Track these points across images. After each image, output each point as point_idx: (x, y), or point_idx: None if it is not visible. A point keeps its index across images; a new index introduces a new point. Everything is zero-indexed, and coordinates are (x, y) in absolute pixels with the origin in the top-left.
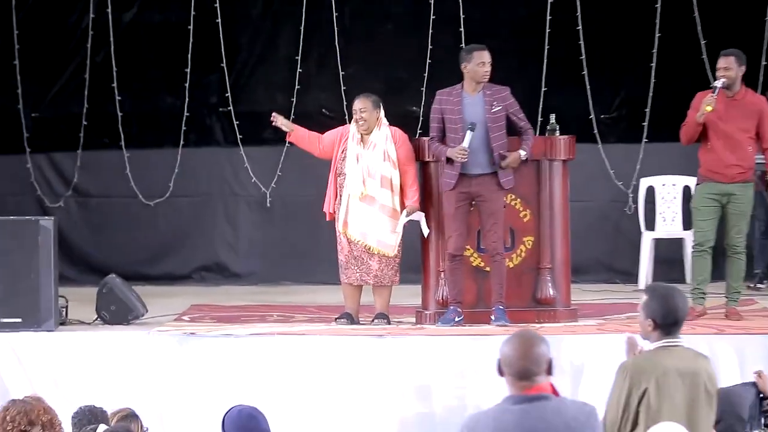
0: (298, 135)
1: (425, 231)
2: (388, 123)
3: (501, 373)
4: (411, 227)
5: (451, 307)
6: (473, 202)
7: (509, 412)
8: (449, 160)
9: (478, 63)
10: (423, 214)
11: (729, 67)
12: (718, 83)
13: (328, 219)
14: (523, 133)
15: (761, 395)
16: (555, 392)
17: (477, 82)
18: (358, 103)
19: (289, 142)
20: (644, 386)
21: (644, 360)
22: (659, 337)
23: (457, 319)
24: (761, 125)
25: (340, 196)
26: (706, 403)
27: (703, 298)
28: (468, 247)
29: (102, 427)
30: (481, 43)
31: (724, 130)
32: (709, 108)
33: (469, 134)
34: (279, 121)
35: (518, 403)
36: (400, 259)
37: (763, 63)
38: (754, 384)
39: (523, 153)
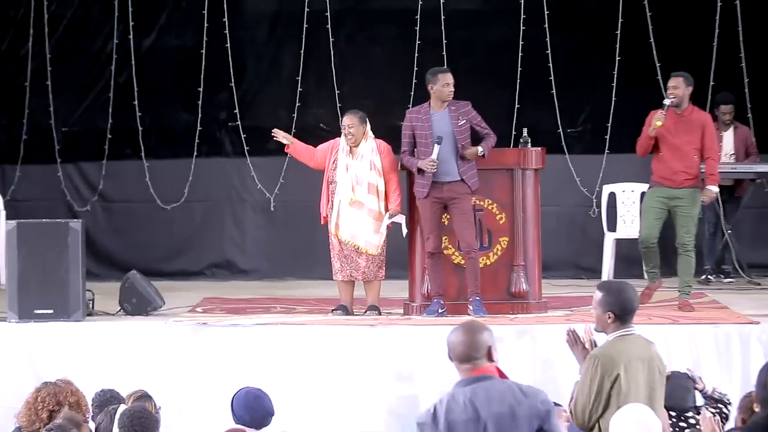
0: (296, 148)
1: (404, 231)
2: (373, 136)
3: (451, 359)
4: (396, 230)
5: (435, 300)
6: (446, 206)
7: (460, 394)
8: (420, 171)
9: (443, 84)
10: (404, 216)
11: (677, 86)
12: (667, 101)
13: (322, 223)
14: (484, 138)
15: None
16: (502, 375)
17: (442, 101)
18: (347, 119)
19: (288, 154)
20: (616, 373)
21: (611, 349)
22: (617, 328)
23: (440, 310)
24: (704, 138)
25: (332, 201)
26: (660, 383)
27: (656, 275)
28: (450, 246)
29: (123, 406)
30: (461, 64)
31: (673, 142)
32: (659, 123)
33: (436, 147)
34: (280, 135)
35: (466, 385)
36: (384, 257)
37: (711, 83)
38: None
39: (480, 150)
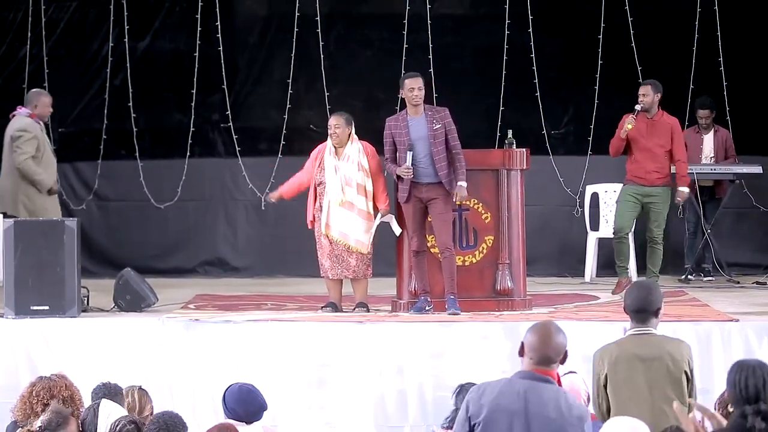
0: (286, 191)
1: (396, 231)
2: (358, 138)
3: (521, 354)
4: (384, 229)
5: (422, 297)
6: (427, 206)
7: (516, 384)
8: (399, 177)
9: (409, 89)
10: (393, 216)
11: (646, 93)
12: (638, 107)
13: (309, 227)
14: (455, 160)
15: None
16: (559, 382)
17: (413, 105)
18: (332, 120)
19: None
20: (605, 371)
21: (610, 348)
22: (632, 326)
23: (427, 307)
24: (673, 141)
25: (320, 203)
26: (671, 385)
27: (626, 270)
28: (436, 245)
29: (104, 402)
30: (447, 67)
31: (645, 145)
32: (629, 126)
33: (408, 154)
34: (273, 198)
35: (525, 378)
36: (372, 255)
37: (691, 87)
38: None
39: (463, 185)
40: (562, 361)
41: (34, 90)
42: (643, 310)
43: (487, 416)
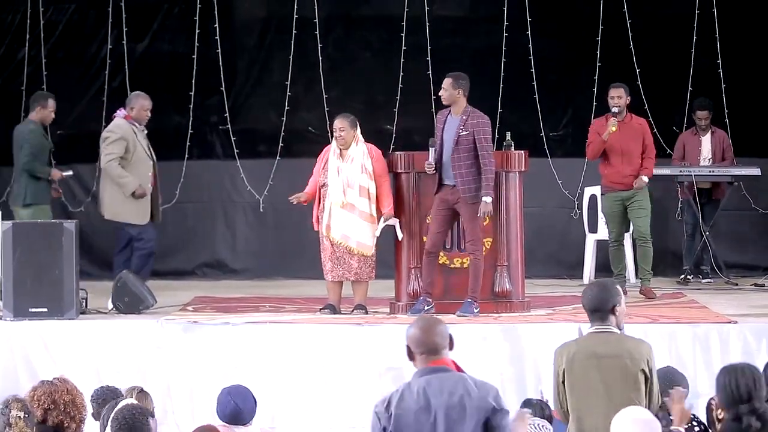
0: (307, 193)
1: (399, 235)
2: (364, 140)
3: (411, 357)
4: (383, 231)
5: (422, 297)
6: (455, 209)
7: (415, 384)
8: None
9: (441, 89)
10: (397, 220)
11: (621, 96)
12: (616, 109)
13: (315, 229)
14: (483, 171)
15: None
16: (458, 369)
17: (448, 105)
18: (338, 122)
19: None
20: (563, 367)
21: (568, 345)
22: (592, 324)
23: (426, 308)
24: (644, 140)
25: (323, 204)
26: (627, 383)
27: (624, 278)
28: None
29: (123, 401)
30: (445, 70)
31: (620, 148)
32: (613, 128)
33: (431, 150)
34: (295, 200)
35: (423, 375)
36: (375, 258)
37: (689, 89)
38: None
39: (488, 200)
40: (451, 347)
41: (134, 92)
42: (597, 309)
43: (396, 423)
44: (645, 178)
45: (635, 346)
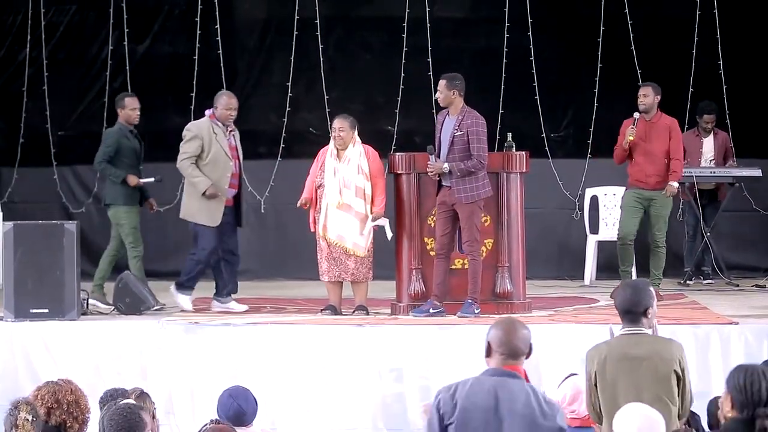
0: (308, 197)
1: (389, 235)
2: (361, 141)
3: (489, 353)
4: (382, 232)
5: (429, 300)
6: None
7: (486, 381)
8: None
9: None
10: (387, 220)
11: (647, 95)
12: (636, 114)
13: (311, 230)
14: (470, 160)
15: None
16: (527, 378)
17: (445, 106)
18: (337, 123)
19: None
20: (595, 369)
21: (600, 347)
22: (624, 325)
23: (433, 311)
24: (671, 141)
25: (320, 205)
26: (659, 384)
27: (629, 275)
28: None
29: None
30: (446, 71)
31: (645, 147)
32: (630, 138)
33: (431, 157)
34: (301, 203)
35: (494, 375)
36: (372, 258)
37: (691, 90)
38: None
39: (445, 165)
40: (528, 356)
41: (220, 91)
42: (630, 311)
43: (460, 415)
44: (674, 184)
45: (666, 347)
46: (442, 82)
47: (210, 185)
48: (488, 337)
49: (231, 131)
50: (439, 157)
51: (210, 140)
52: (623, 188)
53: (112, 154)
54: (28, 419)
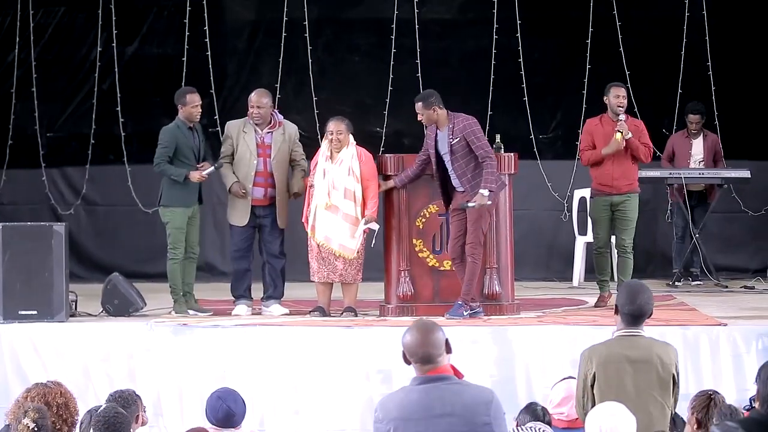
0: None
1: (374, 241)
2: (355, 143)
3: (407, 362)
4: (370, 235)
5: (458, 302)
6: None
7: (414, 392)
8: None
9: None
10: (378, 226)
11: (625, 96)
12: (622, 117)
13: (306, 229)
14: (483, 167)
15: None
16: (457, 373)
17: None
18: (334, 125)
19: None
20: (594, 370)
21: (599, 348)
22: (621, 327)
23: (465, 312)
24: (641, 139)
25: (311, 205)
26: (659, 388)
27: (607, 285)
28: (425, 249)
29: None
30: (435, 73)
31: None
32: (628, 135)
33: (468, 204)
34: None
35: (421, 384)
36: (362, 260)
37: (679, 92)
38: None
39: (485, 192)
40: (448, 352)
41: (256, 89)
42: (639, 315)
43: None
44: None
45: (664, 351)
46: (418, 105)
47: (234, 182)
48: (402, 346)
49: (269, 129)
50: (443, 172)
51: (237, 139)
52: None
53: (171, 154)
54: (29, 427)
